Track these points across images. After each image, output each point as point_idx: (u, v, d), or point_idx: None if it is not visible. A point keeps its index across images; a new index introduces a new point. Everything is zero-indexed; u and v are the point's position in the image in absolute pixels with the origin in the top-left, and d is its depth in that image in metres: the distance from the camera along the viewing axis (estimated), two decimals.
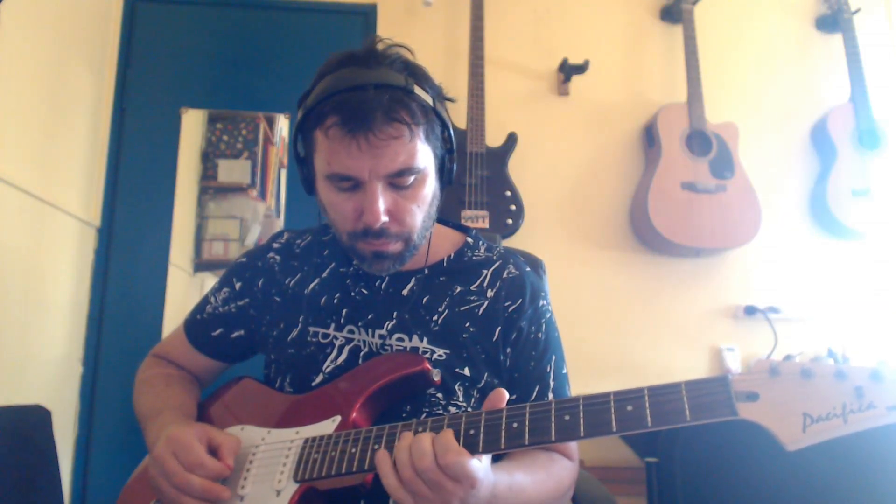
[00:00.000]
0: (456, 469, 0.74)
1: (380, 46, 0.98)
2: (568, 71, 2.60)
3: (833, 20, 2.71)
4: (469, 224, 2.32)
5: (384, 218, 0.94)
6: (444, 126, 1.00)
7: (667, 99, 2.62)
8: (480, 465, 0.76)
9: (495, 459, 0.87)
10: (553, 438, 0.75)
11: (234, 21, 2.66)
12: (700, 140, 2.49)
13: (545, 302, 1.10)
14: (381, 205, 0.93)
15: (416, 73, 0.97)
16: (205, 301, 1.17)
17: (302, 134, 0.99)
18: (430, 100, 0.96)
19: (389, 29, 2.63)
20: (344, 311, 1.06)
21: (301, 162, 1.02)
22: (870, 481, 1.33)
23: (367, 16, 2.67)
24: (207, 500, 0.86)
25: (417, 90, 0.94)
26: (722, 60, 2.71)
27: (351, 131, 0.89)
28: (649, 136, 2.57)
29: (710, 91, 2.53)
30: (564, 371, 1.08)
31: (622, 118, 2.67)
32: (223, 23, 2.66)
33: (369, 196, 0.92)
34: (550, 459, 0.99)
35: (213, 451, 0.90)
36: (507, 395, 0.82)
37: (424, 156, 0.96)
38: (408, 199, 0.96)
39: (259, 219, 2.54)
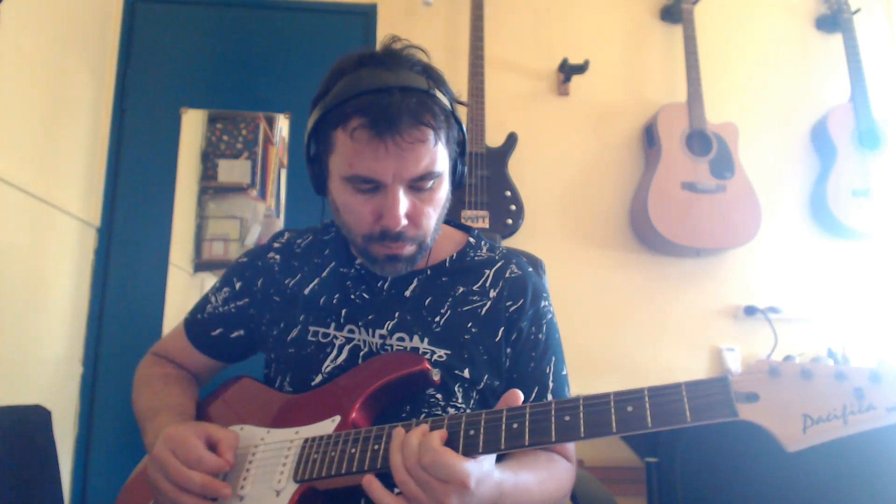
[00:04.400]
0: (438, 470, 0.74)
1: (397, 46, 0.98)
2: (568, 71, 2.60)
3: (833, 20, 2.71)
4: (469, 224, 2.32)
5: (404, 221, 0.94)
6: (461, 129, 1.00)
7: (667, 99, 2.62)
8: (475, 465, 0.76)
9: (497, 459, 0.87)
10: (553, 439, 0.75)
11: (234, 21, 2.66)
12: (700, 140, 2.49)
13: (546, 303, 1.10)
14: (403, 208, 0.93)
15: (435, 77, 0.97)
16: (205, 300, 1.17)
17: (316, 133, 0.98)
18: (448, 103, 0.96)
19: (389, 29, 2.62)
20: (344, 310, 1.06)
21: (312, 161, 1.01)
22: (869, 482, 1.33)
23: (367, 16, 2.67)
24: (208, 496, 0.86)
25: (438, 94, 0.94)
26: (722, 60, 2.71)
27: (379, 133, 0.88)
28: (649, 136, 2.57)
29: (710, 91, 2.53)
30: (564, 372, 1.08)
31: (622, 118, 2.66)
32: (223, 23, 2.66)
33: (391, 200, 0.92)
34: (551, 459, 1.00)
35: (212, 448, 0.90)
36: (521, 395, 0.82)
37: (443, 159, 0.96)
38: (425, 203, 0.96)
39: (259, 219, 2.54)
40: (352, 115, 0.90)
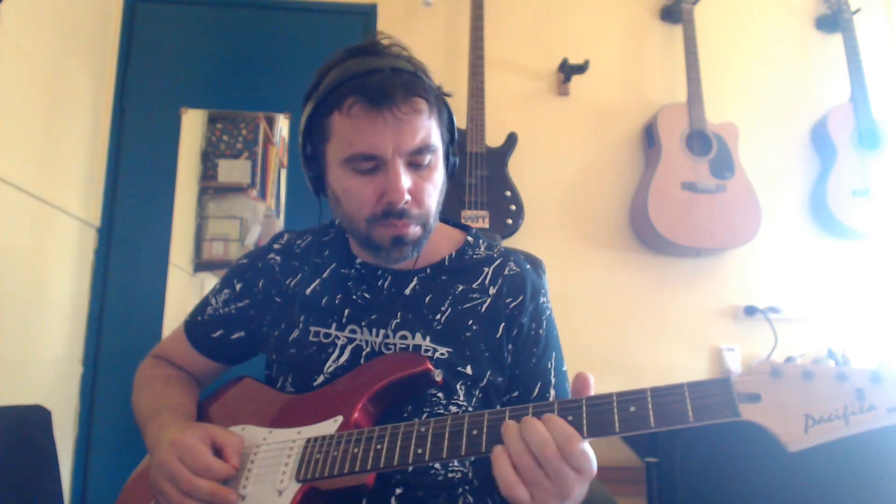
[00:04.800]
0: (580, 459, 0.72)
1: (384, 42, 1.00)
2: (568, 71, 2.60)
3: (833, 20, 2.71)
4: (469, 224, 2.32)
5: (407, 196, 0.95)
6: (449, 114, 1.03)
7: (667, 99, 2.62)
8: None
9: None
10: None
11: (234, 21, 2.66)
12: (700, 140, 2.49)
13: (545, 299, 1.11)
14: (405, 182, 0.94)
15: (418, 66, 1.00)
16: (205, 302, 1.18)
17: (311, 127, 0.99)
18: (434, 87, 0.99)
19: (389, 29, 2.57)
20: (346, 311, 1.06)
21: (309, 159, 1.02)
22: (870, 482, 1.33)
23: (367, 16, 2.67)
24: (215, 503, 0.86)
25: (425, 78, 0.97)
26: (722, 60, 2.71)
27: (376, 106, 0.90)
28: (649, 136, 2.57)
29: (710, 91, 2.53)
30: (564, 368, 1.09)
31: (622, 118, 2.67)
32: (223, 23, 2.66)
33: (392, 174, 0.93)
34: None
35: (217, 451, 0.90)
36: (591, 379, 0.79)
37: (437, 136, 0.98)
38: (425, 179, 0.97)
39: (259, 219, 2.54)
40: (346, 96, 0.92)
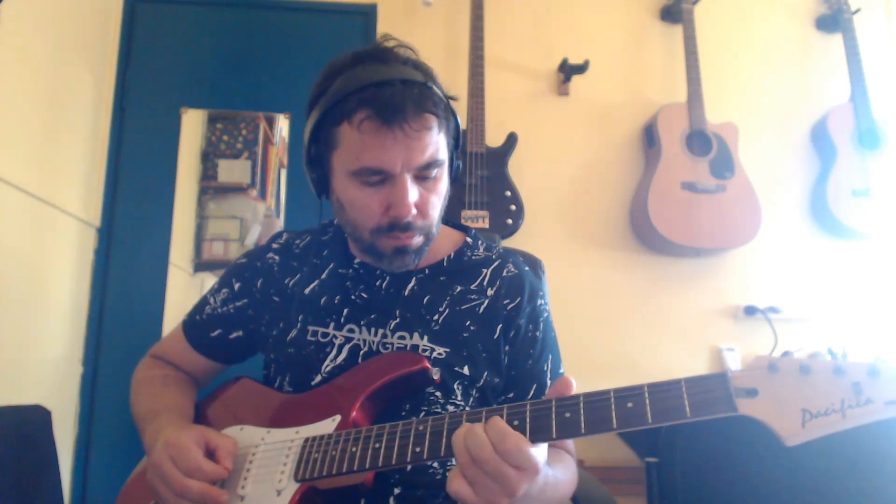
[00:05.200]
0: (516, 456, 0.72)
1: (389, 44, 0.99)
2: (568, 71, 2.60)
3: (833, 20, 2.71)
4: (469, 224, 2.32)
5: (413, 210, 0.95)
6: (456, 122, 1.02)
7: (667, 99, 2.62)
8: (539, 451, 0.75)
9: None
10: (554, 435, 0.75)
11: (234, 21, 2.66)
12: (700, 140, 2.49)
13: (543, 301, 1.11)
14: (412, 197, 0.94)
15: (427, 72, 0.99)
16: (204, 302, 1.17)
17: (317, 133, 0.98)
18: (443, 96, 0.98)
19: (389, 29, 2.58)
20: (344, 310, 1.06)
21: (312, 163, 1.01)
22: (868, 475, 1.33)
23: (367, 16, 2.67)
24: None
25: (434, 87, 0.96)
26: (722, 60, 2.71)
27: (386, 122, 0.89)
28: (649, 136, 2.57)
29: (710, 91, 2.53)
30: (561, 371, 1.09)
31: (622, 118, 2.67)
32: (223, 23, 2.66)
33: (400, 189, 0.93)
34: (562, 455, 1.01)
35: (211, 454, 0.90)
36: (573, 383, 0.79)
37: (444, 149, 0.98)
38: (430, 192, 0.97)
39: (259, 219, 2.54)
40: (356, 108, 0.91)
